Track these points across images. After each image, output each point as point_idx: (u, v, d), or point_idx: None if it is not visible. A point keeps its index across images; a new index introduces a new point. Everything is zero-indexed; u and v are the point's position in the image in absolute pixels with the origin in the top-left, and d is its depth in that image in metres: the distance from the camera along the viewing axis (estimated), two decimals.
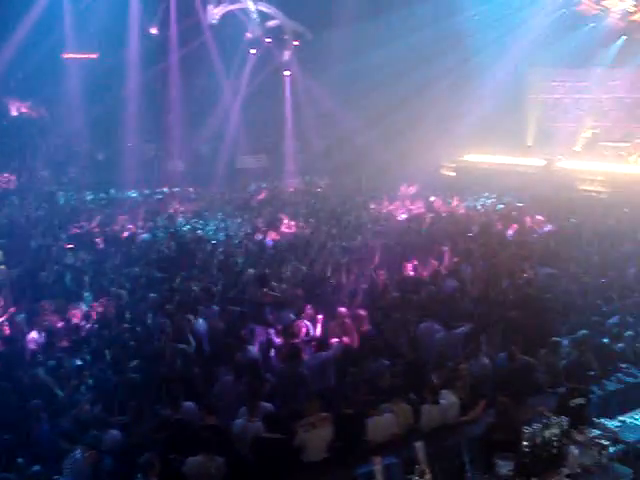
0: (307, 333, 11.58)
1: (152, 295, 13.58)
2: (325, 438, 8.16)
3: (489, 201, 24.86)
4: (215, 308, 12.70)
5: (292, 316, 12.26)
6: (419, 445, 7.25)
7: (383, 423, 8.48)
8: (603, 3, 26.95)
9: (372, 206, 24.25)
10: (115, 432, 8.24)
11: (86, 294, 13.77)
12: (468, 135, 29.24)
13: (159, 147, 33.49)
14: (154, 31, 30.50)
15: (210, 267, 15.84)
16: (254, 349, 10.76)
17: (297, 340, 11.12)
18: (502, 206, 23.56)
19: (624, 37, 27.11)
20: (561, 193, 24.45)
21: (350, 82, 30.24)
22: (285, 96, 34.94)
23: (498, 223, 20.20)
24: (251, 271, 14.98)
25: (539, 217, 20.29)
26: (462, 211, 22.87)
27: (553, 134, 29.95)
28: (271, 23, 32.69)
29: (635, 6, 26.11)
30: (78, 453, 7.64)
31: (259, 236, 19.10)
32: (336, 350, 10.76)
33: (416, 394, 9.01)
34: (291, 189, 29.77)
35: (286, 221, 21.10)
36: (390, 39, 28.54)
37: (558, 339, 10.58)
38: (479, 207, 24.08)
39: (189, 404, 8.87)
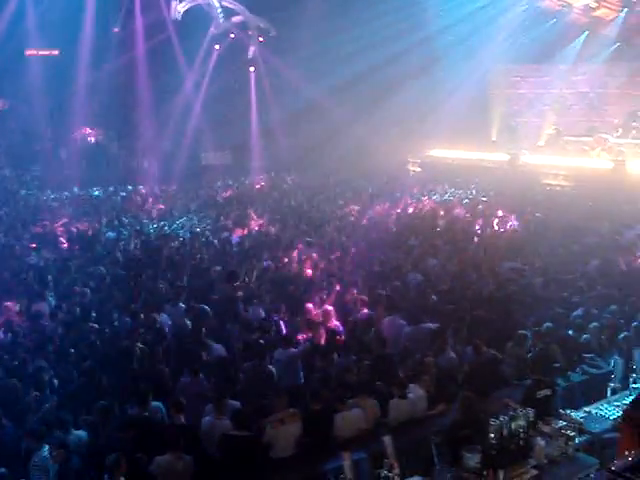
0: (277, 330, 11.59)
1: (117, 294, 13.47)
2: (293, 434, 8.14)
3: (453, 196, 25.05)
4: (182, 306, 12.60)
5: (262, 312, 12.26)
6: (387, 439, 7.26)
7: (351, 418, 8.47)
8: None
9: (340, 202, 24.28)
10: (82, 432, 8.15)
11: (50, 294, 13.56)
12: (434, 131, 29.40)
13: (123, 144, 33.18)
14: (116, 30, 30.22)
15: (176, 265, 15.72)
16: (220, 347, 10.68)
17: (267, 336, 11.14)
18: (467, 201, 23.73)
19: (586, 32, 27.38)
20: (525, 187, 24.68)
21: (315, 80, 30.16)
22: (251, 92, 34.82)
23: (463, 217, 20.35)
24: (218, 268, 14.92)
25: (504, 212, 20.47)
26: (428, 207, 22.95)
27: (517, 129, 30.23)
28: (235, 19, 32.53)
29: (597, 2, 26.37)
30: (45, 451, 7.54)
31: (225, 233, 19.02)
32: (304, 347, 10.74)
33: (384, 389, 9.03)
34: (258, 186, 29.63)
35: (254, 218, 21.05)
36: (356, 37, 28.51)
37: (524, 332, 10.66)
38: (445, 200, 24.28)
39: (157, 403, 8.79)
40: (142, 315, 11.84)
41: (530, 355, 10.29)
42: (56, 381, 9.64)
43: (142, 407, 8.55)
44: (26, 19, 27.21)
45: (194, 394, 9.08)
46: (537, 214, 20.59)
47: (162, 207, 23.92)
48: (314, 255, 16.05)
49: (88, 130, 32.02)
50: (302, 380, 10.27)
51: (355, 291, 13.21)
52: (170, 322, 11.98)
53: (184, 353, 10.29)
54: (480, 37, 27.55)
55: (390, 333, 11.26)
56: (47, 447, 7.58)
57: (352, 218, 21.12)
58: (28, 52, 29.55)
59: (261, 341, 10.74)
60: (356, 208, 22.57)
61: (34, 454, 7.57)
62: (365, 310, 12.25)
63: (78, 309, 12.55)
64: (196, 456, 7.71)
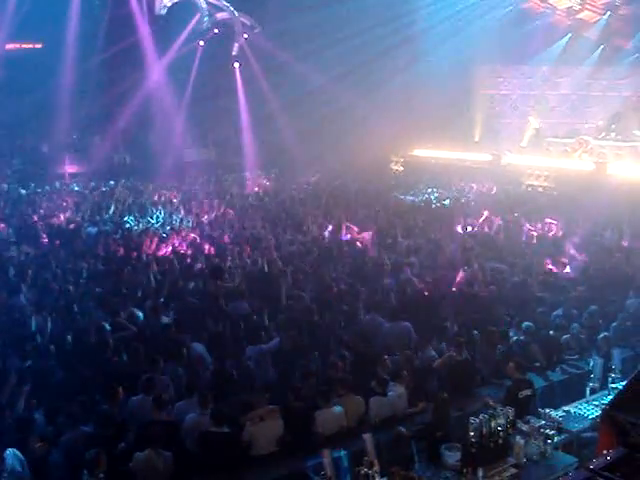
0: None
1: (98, 289, 13.38)
2: (273, 431, 8.12)
3: (434, 196, 25.15)
4: (161, 301, 12.53)
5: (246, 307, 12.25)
6: (367, 437, 7.26)
7: (332, 416, 8.47)
8: (549, 1, 27.37)
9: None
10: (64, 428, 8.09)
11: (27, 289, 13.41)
12: (416, 130, 29.47)
13: (105, 139, 32.96)
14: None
15: (158, 260, 15.63)
16: (199, 345, 10.62)
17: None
18: (448, 201, 23.82)
19: (569, 35, 27.56)
20: (507, 188, 24.83)
21: (298, 78, 30.14)
22: (236, 88, 34.70)
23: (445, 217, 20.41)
24: (200, 264, 14.89)
25: (485, 212, 20.53)
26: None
27: (500, 130, 30.38)
28: (220, 15, 32.41)
29: (580, 4, 26.57)
30: (9, 455, 7.42)
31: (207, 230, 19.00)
32: (275, 343, 10.68)
33: (364, 386, 9.03)
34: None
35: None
36: (340, 35, 28.51)
37: (492, 329, 10.72)
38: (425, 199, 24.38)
39: (136, 399, 8.75)
40: (121, 311, 11.75)
41: (505, 354, 10.31)
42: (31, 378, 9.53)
43: (112, 403, 8.48)
44: (7, 11, 26.91)
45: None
46: (515, 214, 20.67)
47: (143, 203, 23.73)
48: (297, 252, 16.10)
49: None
50: (274, 376, 10.21)
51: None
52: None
53: (162, 350, 10.19)
54: (464, 37, 27.66)
55: (371, 331, 11.28)
56: (10, 452, 7.45)
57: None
58: (9, 46, 29.26)
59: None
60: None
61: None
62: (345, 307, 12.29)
63: (58, 304, 12.42)
64: (176, 452, 7.68)
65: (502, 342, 10.60)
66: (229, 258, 15.49)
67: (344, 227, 18.62)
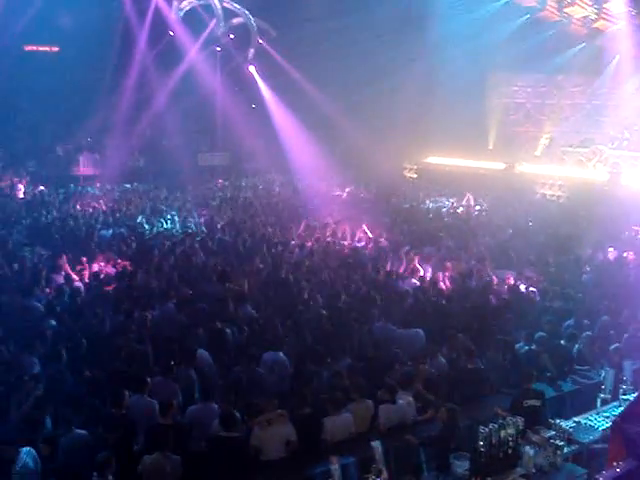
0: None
1: (110, 291, 13.44)
2: (282, 436, 8.11)
3: (447, 203, 25.13)
4: (171, 305, 12.55)
5: (253, 312, 12.25)
6: (376, 444, 7.25)
7: (341, 422, 8.46)
8: (566, 10, 27.30)
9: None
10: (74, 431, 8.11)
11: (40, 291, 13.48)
12: (431, 138, 29.46)
13: (119, 142, 33.14)
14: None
15: (170, 263, 15.68)
16: (205, 353, 10.62)
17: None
18: (462, 209, 23.78)
19: (584, 44, 27.49)
20: (521, 196, 24.75)
21: (315, 84, 30.21)
22: (250, 93, 34.81)
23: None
24: (212, 268, 14.93)
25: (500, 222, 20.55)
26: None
27: (514, 138, 30.31)
28: (235, 20, 32.55)
29: (597, 13, 26.49)
30: (24, 456, 7.43)
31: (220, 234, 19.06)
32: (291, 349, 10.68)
33: (374, 394, 9.02)
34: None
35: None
36: (353, 45, 28.58)
37: (502, 338, 10.73)
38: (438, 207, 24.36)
39: (135, 401, 8.77)
40: (135, 314, 11.79)
41: (521, 364, 10.29)
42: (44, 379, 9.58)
43: (118, 406, 8.51)
44: (25, 14, 27.12)
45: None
46: (530, 223, 20.64)
47: (157, 206, 23.84)
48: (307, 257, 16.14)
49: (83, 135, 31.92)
50: (289, 383, 10.19)
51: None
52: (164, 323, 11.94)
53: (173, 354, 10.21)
54: (480, 45, 27.62)
55: (382, 338, 11.27)
56: (26, 449, 7.51)
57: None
58: (28, 48, 29.51)
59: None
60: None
61: (14, 463, 7.54)
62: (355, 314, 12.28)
63: (70, 306, 12.48)
64: (184, 456, 7.69)
65: (512, 351, 10.58)
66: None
67: (359, 232, 18.68)
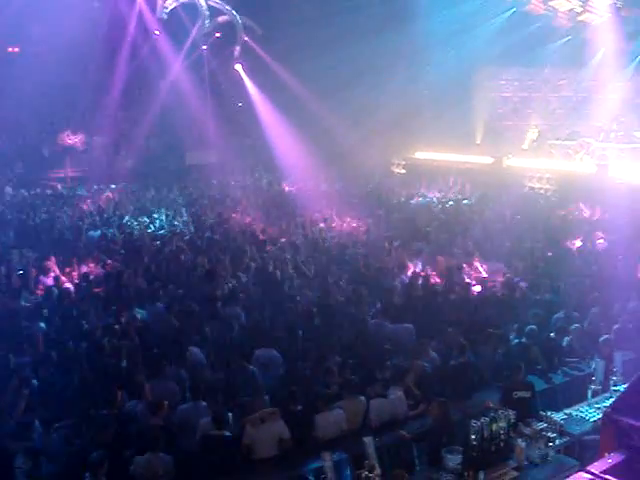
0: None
1: (99, 292, 13.40)
2: (274, 433, 8.08)
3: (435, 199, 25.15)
4: (160, 305, 12.52)
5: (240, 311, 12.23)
6: (368, 440, 7.24)
7: (332, 419, 8.45)
8: (551, 3, 27.30)
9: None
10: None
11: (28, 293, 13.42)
12: (418, 133, 29.45)
13: (106, 143, 33.03)
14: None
15: (158, 263, 15.64)
16: (197, 350, 10.59)
17: None
18: (452, 203, 23.79)
19: (569, 37, 27.53)
20: (509, 190, 24.79)
21: (301, 80, 30.13)
22: (237, 90, 34.73)
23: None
24: (201, 267, 14.89)
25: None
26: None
27: (502, 132, 30.32)
28: (221, 18, 32.43)
29: (582, 6, 26.52)
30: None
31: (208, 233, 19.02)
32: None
33: (365, 390, 9.01)
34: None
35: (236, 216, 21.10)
36: (342, 39, 28.50)
37: (492, 331, 10.74)
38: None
39: (133, 403, 8.75)
40: (122, 314, 11.76)
41: (511, 357, 10.31)
42: (35, 381, 9.53)
43: (111, 407, 8.48)
44: (6, 14, 26.92)
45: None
46: (518, 217, 20.68)
47: (145, 206, 23.77)
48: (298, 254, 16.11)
49: (70, 135, 31.69)
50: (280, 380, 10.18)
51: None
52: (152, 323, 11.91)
53: (163, 354, 10.18)
54: (466, 39, 27.63)
55: (375, 335, 11.27)
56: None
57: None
58: (10, 49, 29.34)
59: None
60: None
61: (16, 456, 7.51)
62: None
63: (58, 308, 12.42)
64: (176, 456, 7.66)
65: (502, 344, 10.61)
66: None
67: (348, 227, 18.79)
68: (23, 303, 12.79)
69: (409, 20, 28.11)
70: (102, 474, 7.04)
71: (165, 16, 30.00)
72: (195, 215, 21.96)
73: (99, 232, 19.04)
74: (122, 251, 16.90)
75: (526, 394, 8.75)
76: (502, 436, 7.50)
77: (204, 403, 8.60)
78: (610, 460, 5.52)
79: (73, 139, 31.58)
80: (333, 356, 10.13)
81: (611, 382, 9.41)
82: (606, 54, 26.43)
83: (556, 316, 11.98)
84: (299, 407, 8.48)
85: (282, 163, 31.13)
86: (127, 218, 21.38)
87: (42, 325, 11.46)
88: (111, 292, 13.37)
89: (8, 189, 25.75)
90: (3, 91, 28.19)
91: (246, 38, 33.09)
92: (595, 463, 5.61)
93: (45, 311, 12.31)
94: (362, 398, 8.80)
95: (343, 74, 29.23)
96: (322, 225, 19.89)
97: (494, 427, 7.42)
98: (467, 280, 14.24)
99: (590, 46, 26.88)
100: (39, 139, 31.49)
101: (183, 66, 31.79)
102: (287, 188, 28.55)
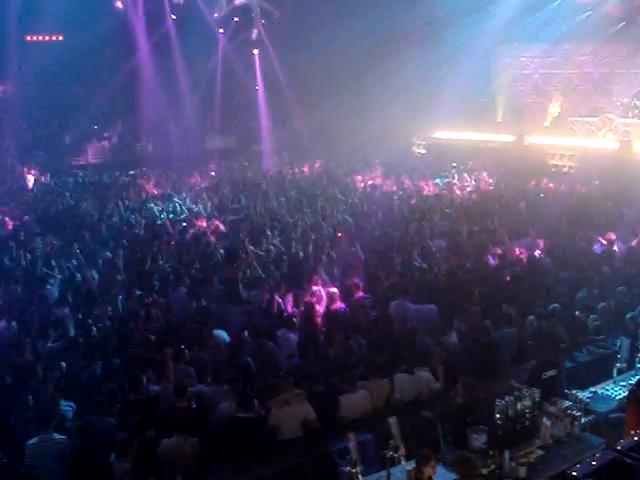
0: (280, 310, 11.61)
1: (122, 277, 13.49)
2: (299, 415, 8.13)
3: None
4: (182, 289, 12.58)
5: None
6: (393, 420, 7.25)
7: (357, 400, 8.48)
8: None
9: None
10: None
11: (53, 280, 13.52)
12: (439, 112, 29.23)
13: (126, 129, 33.16)
14: (119, 4, 30.02)
15: (180, 248, 15.69)
16: (222, 333, 10.66)
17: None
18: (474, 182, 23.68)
19: (590, 12, 27.10)
20: (531, 168, 24.60)
21: (320, 61, 29.98)
22: (255, 75, 34.69)
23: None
24: (222, 251, 14.92)
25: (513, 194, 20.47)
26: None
27: (523, 110, 30.00)
28: (238, 1, 32.31)
29: None
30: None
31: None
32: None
33: (391, 370, 9.02)
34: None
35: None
36: (361, 18, 28.32)
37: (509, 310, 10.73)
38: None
39: (155, 387, 8.83)
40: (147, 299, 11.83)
41: (536, 336, 10.28)
42: (64, 364, 9.65)
43: (137, 391, 8.56)
44: (29, 4, 27.06)
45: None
46: (541, 195, 20.53)
47: (166, 191, 23.82)
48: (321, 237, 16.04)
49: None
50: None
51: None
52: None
53: (187, 337, 10.26)
54: (485, 17, 27.34)
55: (397, 316, 11.26)
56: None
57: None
58: (29, 37, 29.48)
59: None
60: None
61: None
62: (361, 294, 12.26)
63: (82, 294, 12.52)
64: (202, 438, 7.73)
65: (527, 323, 10.58)
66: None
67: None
68: (48, 289, 12.88)
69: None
70: (129, 455, 7.11)
71: (181, 1, 29.93)
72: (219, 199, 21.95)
73: (119, 218, 19.11)
74: (144, 236, 16.95)
75: (553, 373, 8.70)
76: (527, 415, 7.49)
77: (225, 386, 8.64)
78: (636, 437, 5.50)
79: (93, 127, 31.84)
80: (356, 337, 10.15)
81: (637, 359, 9.35)
82: (627, 29, 25.99)
83: (580, 294, 11.91)
84: (322, 388, 8.50)
85: (302, 146, 31.17)
86: (150, 204, 21.39)
87: (66, 311, 11.55)
88: (133, 277, 13.42)
89: (30, 177, 25.89)
90: (24, 80, 28.44)
91: (263, 21, 32.94)
92: (621, 441, 5.60)
93: (69, 297, 12.37)
94: (385, 380, 8.81)
95: (357, 56, 29.09)
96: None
97: (519, 406, 7.41)
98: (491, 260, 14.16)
99: (611, 20, 26.44)
100: (60, 127, 31.65)
101: (201, 51, 31.74)
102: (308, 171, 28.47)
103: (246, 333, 10.60)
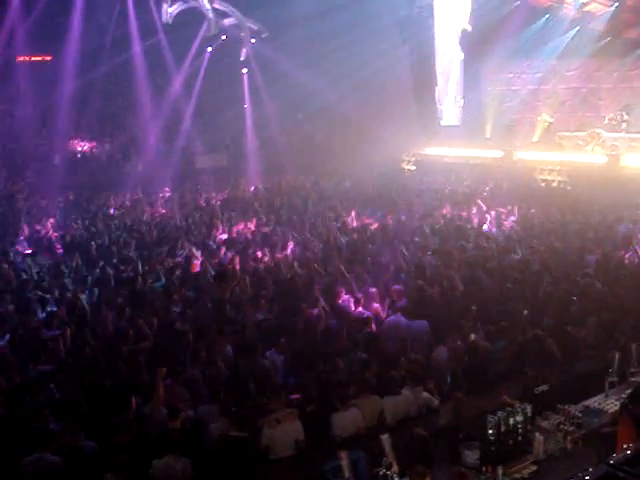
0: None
1: (112, 297, 13.44)
2: (291, 434, 8.09)
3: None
4: (175, 310, 12.53)
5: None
6: (385, 438, 7.22)
7: (349, 418, 8.44)
8: None
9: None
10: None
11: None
12: (428, 129, 29.39)
13: (116, 149, 33.16)
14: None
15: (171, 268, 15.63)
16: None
17: None
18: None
19: (577, 28, 27.35)
20: (521, 183, 24.74)
21: (309, 79, 30.15)
22: (244, 94, 34.78)
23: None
24: (211, 270, 14.89)
25: (502, 209, 20.50)
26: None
27: (511, 126, 30.17)
28: (227, 21, 32.45)
29: None
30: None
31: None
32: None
33: (381, 388, 8.99)
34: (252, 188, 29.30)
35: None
36: (341, 42, 28.52)
37: (518, 327, 10.71)
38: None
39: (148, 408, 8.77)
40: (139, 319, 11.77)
41: (528, 350, 10.27)
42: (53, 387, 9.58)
43: (125, 413, 8.49)
44: (16, 25, 27.13)
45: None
46: (532, 210, 20.61)
47: (157, 211, 23.82)
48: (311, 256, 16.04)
49: (79, 142, 31.92)
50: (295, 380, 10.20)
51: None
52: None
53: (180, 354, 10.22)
54: (472, 34, 27.58)
55: (392, 331, 11.26)
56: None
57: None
58: (19, 58, 29.52)
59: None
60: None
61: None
62: (360, 309, 12.26)
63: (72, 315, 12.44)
64: (194, 458, 7.67)
65: (518, 337, 10.57)
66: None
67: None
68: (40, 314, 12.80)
69: (408, 17, 28.15)
70: (123, 476, 7.06)
71: (170, 21, 30.02)
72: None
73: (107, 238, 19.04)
74: (135, 255, 16.90)
75: (545, 387, 8.69)
76: (520, 430, 7.47)
77: (218, 405, 8.59)
78: (629, 451, 5.48)
79: (82, 146, 31.79)
80: (348, 354, 10.13)
81: (628, 373, 9.34)
82: (613, 43, 26.23)
83: (572, 308, 11.92)
84: (314, 407, 8.47)
85: (291, 164, 31.24)
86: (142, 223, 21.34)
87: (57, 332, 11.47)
88: (125, 297, 13.36)
89: (19, 197, 25.85)
90: (13, 100, 28.46)
91: (252, 40, 33.06)
92: (614, 455, 5.58)
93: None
94: (377, 397, 8.78)
95: (343, 76, 29.31)
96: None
97: (511, 421, 7.40)
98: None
99: (597, 36, 26.68)
100: (49, 147, 31.61)
101: (191, 71, 31.86)
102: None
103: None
